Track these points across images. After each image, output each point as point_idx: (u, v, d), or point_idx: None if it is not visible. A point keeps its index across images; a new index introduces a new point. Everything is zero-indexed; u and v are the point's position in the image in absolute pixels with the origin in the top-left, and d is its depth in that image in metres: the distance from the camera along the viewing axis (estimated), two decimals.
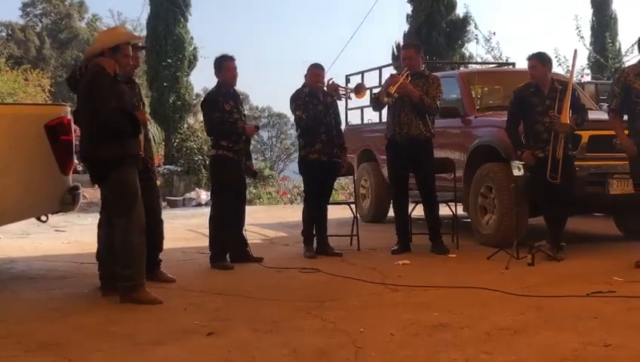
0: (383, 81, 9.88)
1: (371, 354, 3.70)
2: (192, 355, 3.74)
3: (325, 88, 7.12)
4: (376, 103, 7.42)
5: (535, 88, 6.54)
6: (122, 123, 4.95)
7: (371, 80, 10.32)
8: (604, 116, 7.56)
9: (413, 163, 7.05)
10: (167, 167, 15.49)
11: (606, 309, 4.54)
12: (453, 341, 3.91)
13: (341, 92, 7.45)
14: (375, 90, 9.41)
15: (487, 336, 3.97)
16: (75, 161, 6.01)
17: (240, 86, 7.21)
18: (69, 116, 5.77)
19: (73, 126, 5.80)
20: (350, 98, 8.09)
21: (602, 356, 3.57)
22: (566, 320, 4.30)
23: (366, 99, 9.87)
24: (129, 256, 5.01)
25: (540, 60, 6.58)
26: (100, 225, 5.53)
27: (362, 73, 10.60)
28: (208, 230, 6.71)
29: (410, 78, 6.92)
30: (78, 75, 5.17)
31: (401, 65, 7.24)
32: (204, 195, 14.46)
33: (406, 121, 6.93)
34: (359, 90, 7.74)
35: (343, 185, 16.21)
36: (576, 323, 4.20)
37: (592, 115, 7.13)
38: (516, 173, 6.47)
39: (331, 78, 7.14)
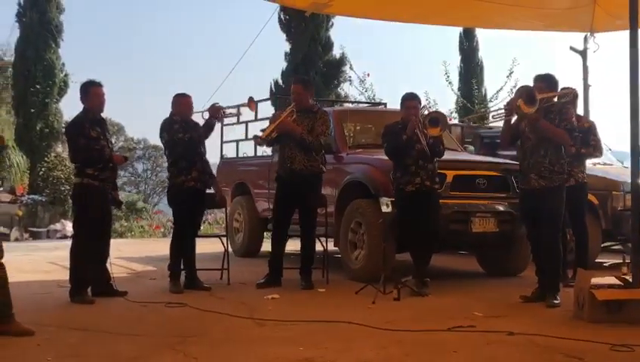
0: (259, 115, 10.00)
1: None
2: None
3: (205, 112, 7.04)
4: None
5: (402, 125, 6.73)
6: None
7: (247, 114, 10.34)
8: (469, 157, 7.92)
9: (296, 197, 7.03)
10: (32, 196, 14.76)
11: (465, 343, 4.66)
12: None
13: (228, 111, 7.35)
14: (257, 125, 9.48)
15: None
16: None
17: (115, 116, 7.11)
18: None
19: None
20: (241, 114, 8.01)
21: None
22: (426, 354, 4.38)
23: (241, 134, 9.98)
24: None
25: (419, 101, 6.82)
26: None
27: (238, 107, 10.55)
28: (69, 262, 6.39)
29: (294, 115, 6.94)
30: None
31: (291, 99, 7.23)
32: (71, 227, 13.86)
33: (289, 156, 6.94)
34: (250, 102, 7.68)
35: (218, 219, 16.03)
36: (436, 357, 4.29)
37: (457, 156, 7.42)
38: (384, 209, 6.62)
39: (217, 103, 7.12)
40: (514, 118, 6.27)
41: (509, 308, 5.93)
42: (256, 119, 9.96)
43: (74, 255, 6.33)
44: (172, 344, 4.58)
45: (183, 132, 6.82)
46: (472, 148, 9.64)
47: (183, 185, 6.88)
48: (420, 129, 6.53)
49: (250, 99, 7.75)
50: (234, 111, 7.53)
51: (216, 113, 7.10)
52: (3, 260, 4.90)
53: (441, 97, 29.25)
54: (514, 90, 17.01)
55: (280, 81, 16.18)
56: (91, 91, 6.45)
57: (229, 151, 11.06)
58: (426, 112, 6.89)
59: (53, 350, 4.40)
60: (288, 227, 7.27)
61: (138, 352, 4.38)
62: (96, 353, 4.36)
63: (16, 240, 13.20)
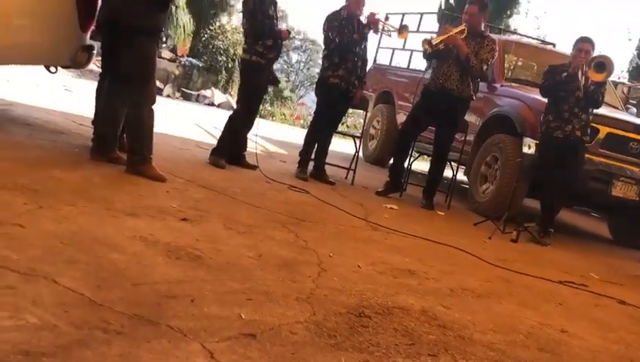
0: (421, 27, 9.79)
1: (333, 278, 3.70)
2: (160, 232, 3.73)
3: (364, 18, 7.02)
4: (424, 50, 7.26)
5: (568, 68, 6.39)
6: None
7: (410, 23, 10.16)
8: (627, 117, 7.46)
9: (437, 115, 6.92)
10: (190, 59, 15.35)
11: (573, 299, 4.53)
12: (415, 287, 3.91)
13: (381, 27, 7.30)
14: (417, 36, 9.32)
15: (450, 292, 3.97)
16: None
17: (281, 2, 7.20)
18: None
19: None
20: (389, 35, 7.91)
21: (556, 339, 3.56)
22: (531, 298, 4.30)
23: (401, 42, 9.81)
24: (139, 130, 5.11)
25: (593, 47, 6.41)
26: (98, 93, 5.53)
27: (403, 15, 10.38)
28: (224, 127, 6.69)
29: (464, 34, 6.74)
30: None
31: (462, 19, 7.02)
32: (220, 97, 14.37)
33: (445, 73, 6.80)
34: (402, 30, 7.61)
35: (357, 124, 16.15)
36: (541, 304, 4.20)
37: (615, 113, 7.02)
38: (526, 150, 6.44)
39: (378, 13, 7.07)
40: None
41: (627, 279, 5.70)
42: (418, 31, 9.80)
43: (231, 123, 6.67)
44: (286, 223, 4.75)
45: (338, 31, 6.87)
46: (634, 110, 9.07)
47: (328, 80, 6.98)
48: (584, 70, 6.18)
49: (404, 27, 7.71)
50: (386, 28, 7.41)
51: (372, 23, 7.06)
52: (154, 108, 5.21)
53: (616, 52, 27.42)
54: None
55: (452, 0, 15.69)
56: None
57: (383, 58, 10.99)
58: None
59: (179, 199, 4.66)
60: (415, 139, 7.23)
61: (255, 222, 4.56)
62: (216, 212, 4.59)
63: (168, 96, 13.85)
